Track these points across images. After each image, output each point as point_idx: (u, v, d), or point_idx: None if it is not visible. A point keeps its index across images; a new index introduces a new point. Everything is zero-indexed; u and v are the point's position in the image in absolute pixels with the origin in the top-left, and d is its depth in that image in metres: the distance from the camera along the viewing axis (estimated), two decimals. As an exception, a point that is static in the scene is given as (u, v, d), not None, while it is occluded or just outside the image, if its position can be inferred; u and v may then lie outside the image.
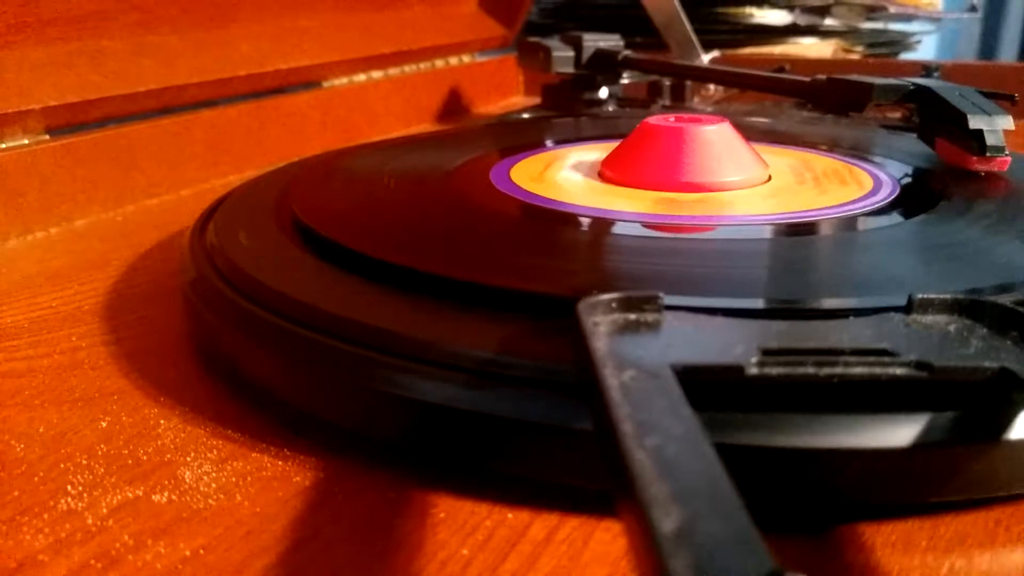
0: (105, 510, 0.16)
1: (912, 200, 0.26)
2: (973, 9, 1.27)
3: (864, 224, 0.24)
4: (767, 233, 0.23)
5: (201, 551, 0.15)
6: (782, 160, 0.31)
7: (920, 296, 0.16)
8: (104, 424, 0.19)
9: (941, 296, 0.16)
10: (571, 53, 0.49)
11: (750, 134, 0.30)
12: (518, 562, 0.15)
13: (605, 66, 0.49)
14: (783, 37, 0.73)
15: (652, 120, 0.29)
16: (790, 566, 0.09)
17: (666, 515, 0.09)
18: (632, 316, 0.16)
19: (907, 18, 0.84)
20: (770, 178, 0.29)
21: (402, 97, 0.56)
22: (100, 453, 0.18)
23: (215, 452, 0.18)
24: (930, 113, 0.31)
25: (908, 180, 0.29)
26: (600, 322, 0.16)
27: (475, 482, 0.17)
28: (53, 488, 0.17)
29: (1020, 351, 0.15)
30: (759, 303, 0.18)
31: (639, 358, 0.14)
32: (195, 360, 0.23)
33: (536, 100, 0.55)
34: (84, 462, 0.18)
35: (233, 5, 0.44)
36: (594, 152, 0.32)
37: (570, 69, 0.49)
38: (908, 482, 0.15)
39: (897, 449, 0.15)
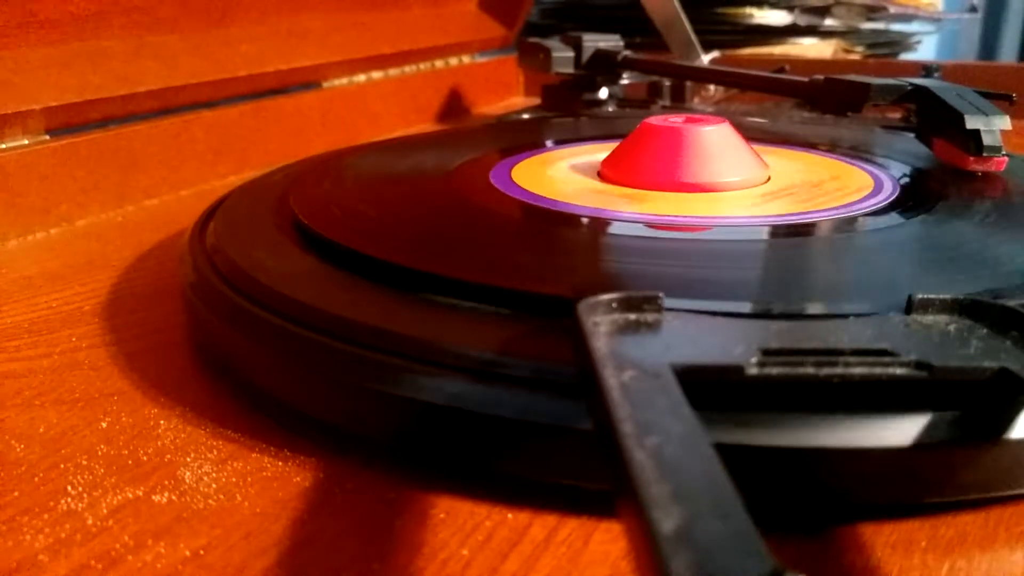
0: (105, 510, 0.16)
1: (911, 201, 0.26)
2: (973, 9, 1.27)
3: (864, 225, 0.24)
4: (767, 234, 0.23)
5: (201, 551, 0.15)
6: (782, 161, 0.31)
7: (920, 296, 0.16)
8: (104, 424, 0.19)
9: (941, 296, 0.16)
10: (571, 53, 0.49)
11: (750, 134, 0.30)
12: (518, 562, 0.15)
13: (605, 66, 0.49)
14: (783, 37, 0.73)
15: (652, 120, 0.29)
16: (790, 566, 0.09)
17: (666, 515, 0.09)
18: (632, 316, 0.16)
19: (907, 18, 0.84)
20: (770, 179, 0.29)
21: (402, 97, 0.56)
22: (100, 453, 0.18)
23: (215, 452, 0.18)
24: (928, 113, 0.31)
25: (907, 181, 0.29)
26: (600, 322, 0.16)
27: (475, 482, 0.17)
28: (53, 488, 0.17)
29: (1020, 351, 0.15)
30: (759, 304, 0.18)
31: (639, 358, 0.14)
32: (195, 360, 0.23)
33: (536, 100, 0.55)
34: (84, 462, 0.18)
35: (233, 5, 0.44)
36: (594, 152, 0.32)
37: (570, 69, 0.49)
38: (908, 482, 0.15)
39: (897, 449, 0.15)
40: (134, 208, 0.38)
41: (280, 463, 0.18)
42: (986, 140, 0.28)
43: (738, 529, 0.09)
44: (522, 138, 0.36)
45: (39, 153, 0.35)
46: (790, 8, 0.72)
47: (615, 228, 0.24)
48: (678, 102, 0.51)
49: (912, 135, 0.33)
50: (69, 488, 0.17)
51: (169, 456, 0.18)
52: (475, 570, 0.15)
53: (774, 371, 0.14)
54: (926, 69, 0.52)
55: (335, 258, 0.22)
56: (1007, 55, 1.77)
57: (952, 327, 0.16)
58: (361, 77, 0.54)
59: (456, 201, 0.27)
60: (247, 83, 0.45)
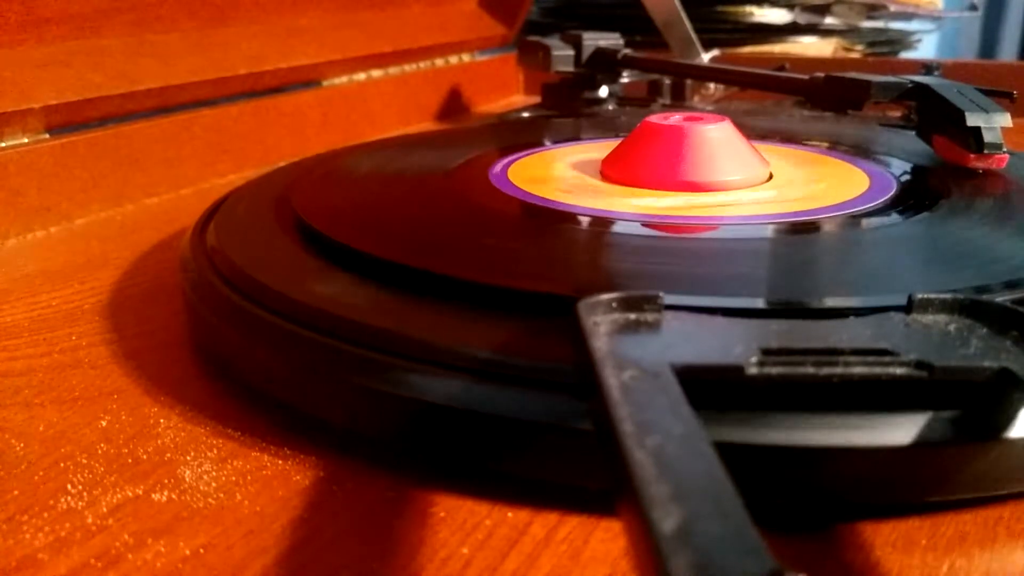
0: (105, 509, 0.16)
1: (912, 198, 0.26)
2: (973, 8, 1.26)
3: (864, 223, 0.24)
4: (767, 232, 0.23)
5: (201, 550, 0.15)
6: (782, 159, 0.31)
7: (920, 295, 0.16)
8: (104, 423, 0.19)
9: (941, 295, 0.16)
10: (571, 52, 0.49)
11: (751, 133, 0.30)
12: (518, 561, 0.15)
13: (605, 65, 0.49)
14: (783, 36, 0.73)
15: (653, 119, 0.29)
16: (790, 566, 0.09)
17: (666, 515, 0.09)
18: (632, 316, 0.16)
19: (907, 17, 0.84)
20: (771, 177, 0.29)
21: (402, 96, 0.56)
22: (100, 452, 0.18)
23: (215, 451, 0.18)
24: (928, 111, 0.31)
25: (908, 178, 0.29)
26: (600, 322, 0.16)
27: (475, 481, 0.17)
28: (53, 487, 0.17)
29: (1020, 351, 0.15)
30: (759, 302, 0.18)
31: (639, 358, 0.14)
32: (195, 359, 0.23)
33: (536, 99, 0.55)
34: (84, 461, 0.18)
35: (233, 4, 0.44)
36: (594, 151, 0.32)
37: (570, 68, 0.49)
38: (908, 481, 0.15)
39: (897, 448, 0.15)
40: (134, 207, 0.38)
41: (280, 462, 0.18)
42: (987, 137, 0.28)
43: (738, 529, 0.09)
44: (522, 137, 0.36)
45: (39, 152, 0.35)
46: (790, 6, 0.72)
47: (615, 227, 0.24)
48: (678, 100, 0.51)
49: (912, 133, 0.33)
50: (69, 487, 0.17)
51: (169, 455, 0.18)
52: (475, 568, 0.15)
53: (774, 371, 0.14)
54: (926, 67, 0.52)
55: (335, 258, 0.22)
56: (1007, 53, 1.77)
57: (952, 327, 0.16)
58: (361, 76, 0.54)
59: (456, 200, 0.27)
60: (247, 82, 0.45)
